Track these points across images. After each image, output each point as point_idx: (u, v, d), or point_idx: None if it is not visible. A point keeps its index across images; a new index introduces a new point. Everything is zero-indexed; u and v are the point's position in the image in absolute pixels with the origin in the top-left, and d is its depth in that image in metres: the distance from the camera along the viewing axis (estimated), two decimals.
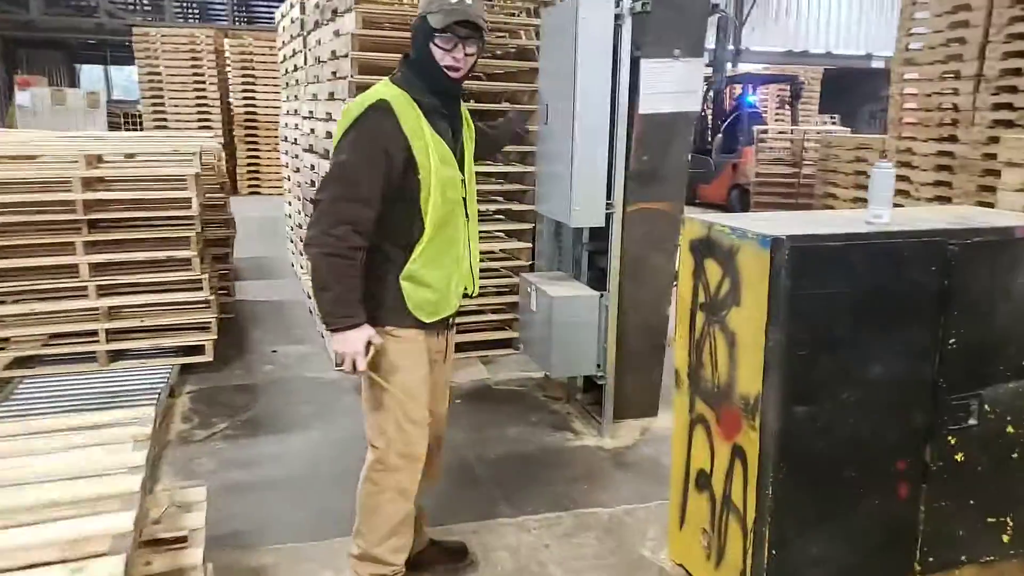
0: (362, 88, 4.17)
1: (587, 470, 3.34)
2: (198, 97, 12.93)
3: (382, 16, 4.52)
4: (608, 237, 3.44)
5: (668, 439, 3.63)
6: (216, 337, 4.41)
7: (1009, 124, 5.51)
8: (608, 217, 3.36)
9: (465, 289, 2.34)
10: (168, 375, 4.15)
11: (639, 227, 3.45)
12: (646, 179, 3.40)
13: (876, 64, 19.95)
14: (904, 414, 2.10)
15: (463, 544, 2.70)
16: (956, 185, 6.11)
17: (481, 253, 4.55)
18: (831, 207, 8.40)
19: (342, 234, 2.02)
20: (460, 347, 4.68)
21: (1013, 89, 5.48)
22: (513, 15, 4.91)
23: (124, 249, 4.18)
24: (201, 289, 4.30)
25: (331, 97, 4.71)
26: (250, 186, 13.17)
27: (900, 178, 6.90)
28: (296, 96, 6.38)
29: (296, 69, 6.31)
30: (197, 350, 4.38)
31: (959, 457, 2.17)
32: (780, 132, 11.20)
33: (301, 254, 6.49)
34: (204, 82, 12.91)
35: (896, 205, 6.76)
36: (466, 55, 2.11)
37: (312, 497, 3.09)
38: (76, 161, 4.02)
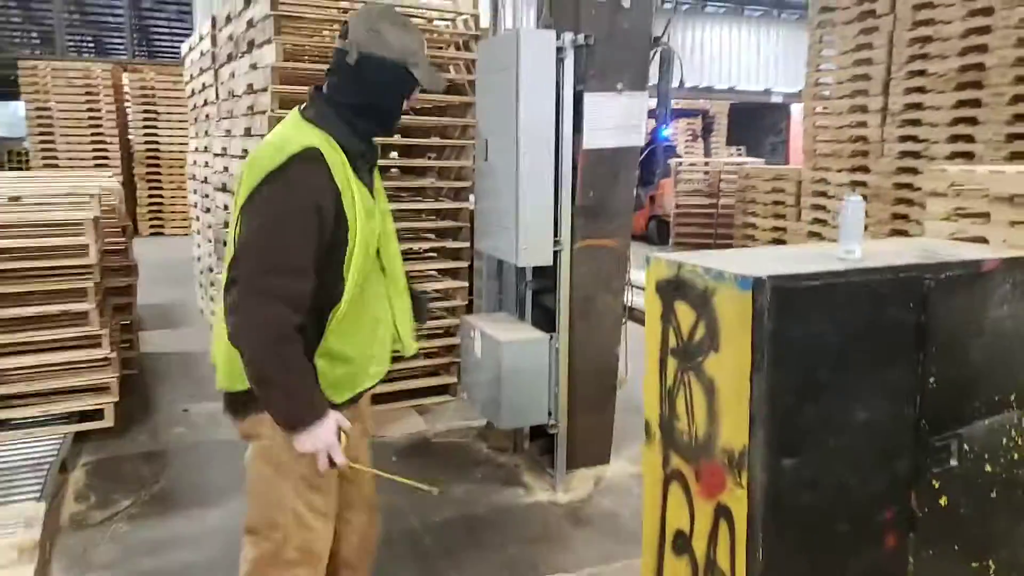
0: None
1: (543, 530, 3.13)
2: (93, 134, 12.22)
3: (302, 49, 4.30)
4: (555, 275, 3.28)
5: (625, 489, 3.49)
6: (118, 399, 3.98)
7: (915, 155, 5.72)
8: (556, 255, 3.21)
9: (395, 350, 2.06)
10: (59, 447, 3.66)
11: (587, 264, 3.32)
12: (593, 215, 3.27)
13: (775, 99, 20.94)
14: (889, 459, 2.00)
15: None
16: (871, 214, 6.28)
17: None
18: (751, 237, 8.57)
19: (281, 314, 1.69)
20: (392, 396, 4.42)
21: (916, 122, 5.70)
22: (441, 48, 4.76)
23: (10, 303, 3.72)
24: (100, 346, 3.88)
25: (247, 133, 4.42)
26: (152, 226, 12.52)
27: (817, 207, 7.10)
28: (207, 132, 6.03)
29: (206, 104, 5.97)
30: (95, 415, 3.93)
31: (943, 501, 2.07)
32: (694, 164, 11.45)
33: (211, 299, 6.08)
34: (100, 118, 12.23)
35: (815, 234, 6.94)
36: None
37: None
38: None
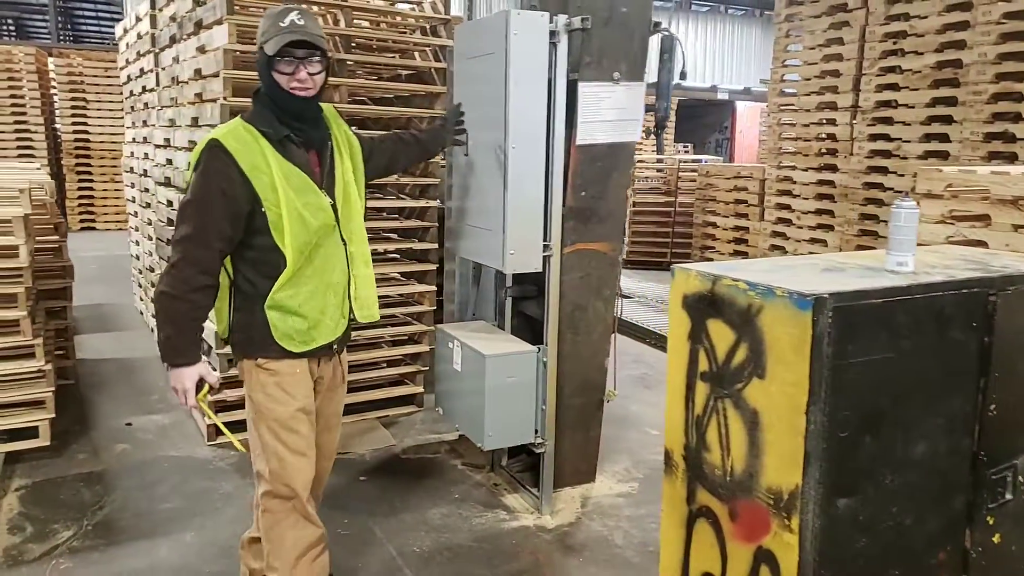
0: (235, 112, 3.58)
1: (532, 560, 2.88)
2: (17, 122, 11.41)
3: (255, 31, 3.92)
4: (543, 282, 3.02)
5: (614, 511, 3.26)
6: (54, 415, 3.58)
7: (887, 154, 5.64)
8: (545, 260, 2.95)
9: (352, 316, 2.32)
10: None
11: (576, 271, 3.07)
12: (584, 217, 3.02)
13: (721, 96, 21.08)
14: (945, 496, 1.81)
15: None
16: (838, 214, 6.22)
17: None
18: (712, 236, 8.47)
19: (185, 276, 2.07)
20: (354, 408, 4.10)
21: (889, 120, 5.62)
22: (404, 33, 4.44)
23: None
24: (33, 356, 3.47)
25: (195, 123, 4.03)
26: (82, 221, 11.80)
27: (782, 207, 7.01)
28: (145, 122, 5.56)
29: (144, 91, 5.50)
30: (28, 433, 3.54)
31: (996, 539, 1.90)
32: (643, 161, 11.29)
33: (153, 300, 5.62)
34: (24, 105, 11.43)
35: (779, 234, 6.84)
36: (310, 75, 2.13)
37: None
38: None
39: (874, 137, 5.75)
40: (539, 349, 3.03)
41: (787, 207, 6.93)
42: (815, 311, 1.56)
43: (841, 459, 1.63)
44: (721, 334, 1.81)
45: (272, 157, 2.10)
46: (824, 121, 6.33)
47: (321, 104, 2.28)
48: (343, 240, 2.26)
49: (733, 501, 1.82)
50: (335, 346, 2.32)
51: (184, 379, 2.14)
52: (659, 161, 10.69)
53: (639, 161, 10.80)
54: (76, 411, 4.20)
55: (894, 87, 5.53)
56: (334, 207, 2.22)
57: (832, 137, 6.25)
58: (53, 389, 3.57)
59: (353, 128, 2.47)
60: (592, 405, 3.32)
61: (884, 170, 5.63)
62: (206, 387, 2.20)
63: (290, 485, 2.24)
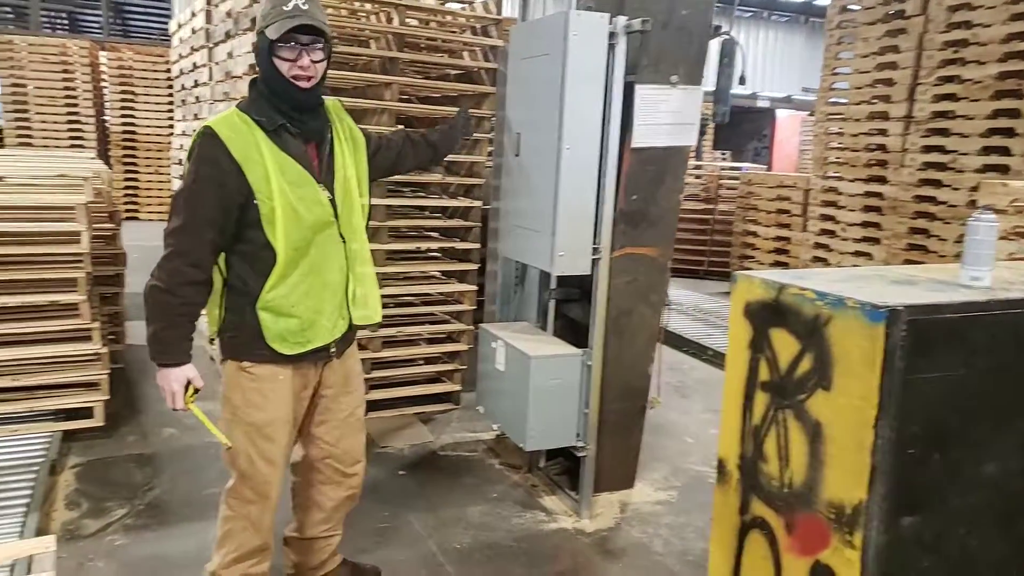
0: None
1: (572, 563, 2.87)
2: (70, 113, 11.69)
3: None
4: (591, 285, 3.01)
5: (653, 518, 3.23)
6: (108, 397, 3.66)
7: (941, 167, 5.52)
8: (593, 263, 2.93)
9: (350, 318, 2.22)
10: (47, 447, 3.38)
11: (624, 275, 3.05)
12: (634, 220, 3.00)
13: (761, 103, 20.84)
14: (1013, 519, 1.76)
15: (378, 570, 2.64)
16: (885, 227, 6.10)
17: (416, 296, 4.06)
18: (752, 245, 8.37)
19: (175, 268, 1.99)
20: (392, 403, 4.12)
21: (945, 132, 5.50)
22: (455, 33, 4.46)
23: None
24: (91, 339, 3.55)
25: None
26: (128, 211, 12.03)
27: (826, 218, 6.90)
28: (196, 115, 5.65)
29: (197, 85, 5.59)
30: (83, 413, 3.62)
31: None
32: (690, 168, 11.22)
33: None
34: (77, 97, 11.71)
35: (821, 246, 6.74)
36: (313, 62, 2.04)
37: None
38: None
39: (928, 149, 5.63)
40: (584, 352, 3.02)
41: (831, 218, 6.81)
42: (888, 324, 1.53)
43: (908, 476, 1.60)
44: (785, 343, 1.78)
45: (266, 147, 2.01)
46: (874, 131, 6.21)
47: (324, 97, 2.20)
48: (342, 237, 2.16)
49: (791, 514, 1.79)
50: (333, 349, 2.21)
51: (172, 380, 2.04)
52: (698, 168, 10.61)
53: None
54: (126, 394, 4.29)
55: (952, 97, 5.40)
56: (332, 202, 2.12)
57: (882, 148, 6.13)
58: (107, 372, 3.64)
59: (360, 125, 2.37)
60: (634, 411, 3.29)
61: (937, 183, 5.50)
62: (191, 389, 2.09)
63: (256, 490, 2.19)
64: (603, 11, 2.80)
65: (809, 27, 20.73)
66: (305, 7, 1.99)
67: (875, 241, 6.22)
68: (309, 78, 2.04)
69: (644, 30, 2.71)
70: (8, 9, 19.29)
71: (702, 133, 12.86)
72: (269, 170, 2.00)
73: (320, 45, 2.04)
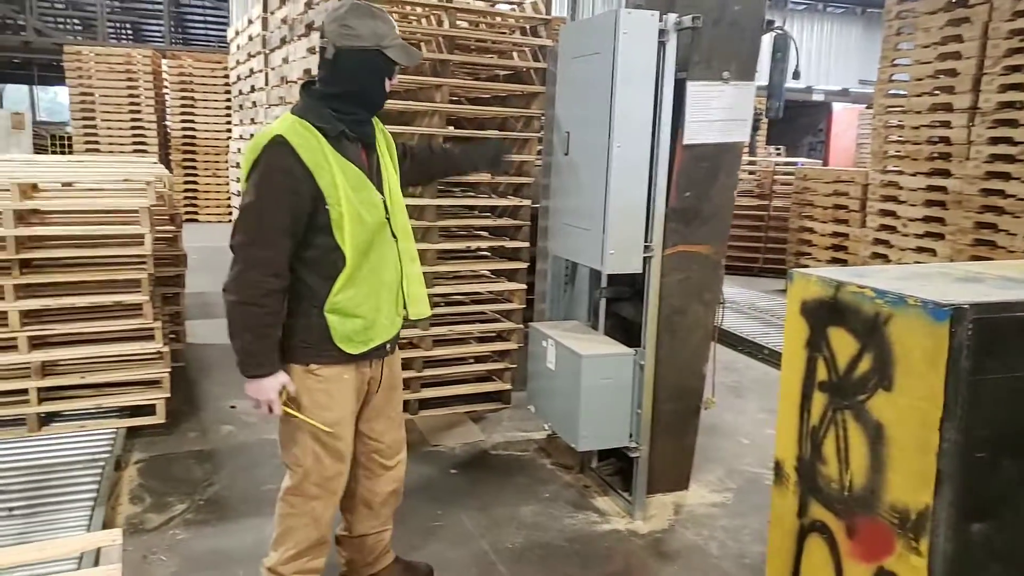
0: None
1: (626, 564, 2.84)
2: (133, 119, 12.11)
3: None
4: (639, 283, 2.98)
5: (708, 520, 3.19)
6: (169, 394, 3.77)
7: (1009, 159, 5.31)
8: (645, 262, 2.91)
9: (405, 314, 2.32)
10: (112, 442, 3.51)
11: (677, 272, 3.01)
12: (686, 218, 2.96)
13: (816, 97, 20.35)
14: None
15: (430, 567, 2.67)
16: (950, 221, 5.90)
17: (465, 295, 4.08)
18: (808, 242, 8.19)
19: (254, 280, 2.02)
20: (443, 402, 4.15)
21: (1013, 123, 5.29)
22: (504, 34, 4.46)
23: (62, 293, 3.53)
24: (153, 338, 3.66)
25: None
26: (187, 213, 12.37)
27: (886, 213, 6.70)
28: (253, 119, 5.79)
29: (254, 90, 5.73)
30: (146, 410, 3.73)
31: None
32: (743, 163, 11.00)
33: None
34: (140, 104, 12.12)
35: (881, 242, 6.54)
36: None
37: None
38: (6, 190, 3.37)
39: (995, 140, 5.42)
40: (636, 352, 2.99)
41: (892, 213, 6.62)
42: (953, 322, 1.48)
43: (977, 481, 1.55)
44: (843, 343, 1.74)
45: (331, 154, 2.07)
46: (937, 123, 6.01)
47: None
48: (394, 236, 2.24)
49: (852, 517, 1.75)
50: (388, 346, 2.30)
51: (268, 390, 2.07)
52: (751, 163, 10.41)
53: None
54: (186, 392, 4.41)
55: (1020, 87, 5.20)
56: (384, 203, 2.20)
57: (945, 140, 5.93)
58: (169, 370, 3.76)
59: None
60: (688, 411, 3.25)
61: (1006, 176, 5.30)
62: (285, 394, 2.12)
63: (321, 485, 2.24)
64: (654, 8, 2.77)
65: (866, 18, 20.16)
66: (399, 36, 2.16)
67: (939, 237, 6.03)
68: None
69: (695, 27, 2.67)
70: (77, 21, 20.05)
71: (756, 128, 12.61)
72: (336, 176, 2.06)
73: None
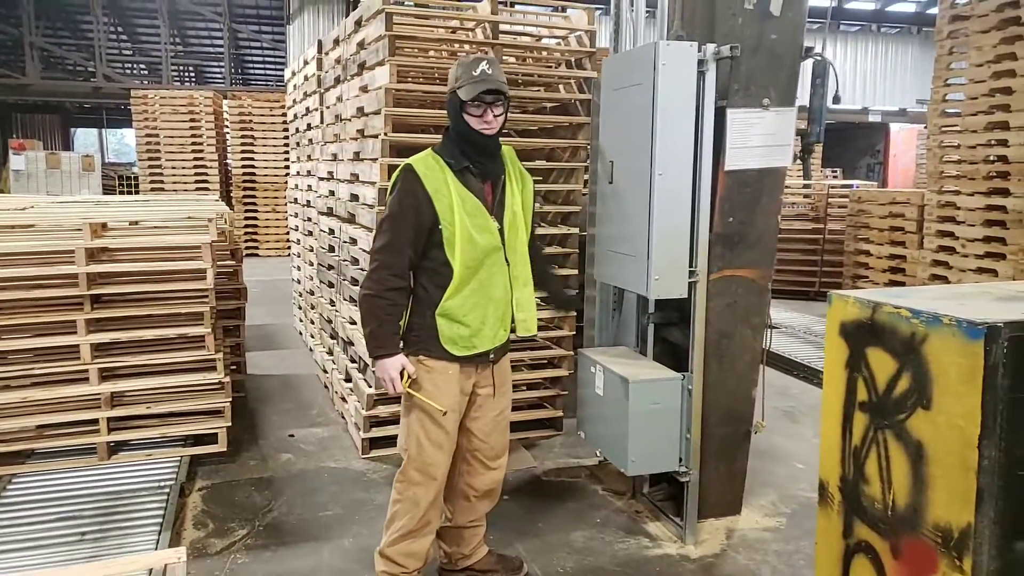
0: (394, 147, 3.82)
1: None
2: (196, 158, 12.66)
3: (411, 68, 4.19)
4: (689, 309, 3.02)
5: (761, 545, 3.17)
6: (230, 423, 3.93)
7: None
8: (690, 287, 2.95)
9: (514, 328, 2.62)
10: (176, 469, 3.67)
11: (723, 297, 3.04)
12: (731, 243, 3.00)
13: (873, 118, 19.99)
14: None
15: (521, 560, 2.92)
16: (1011, 241, 5.76)
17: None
18: (864, 265, 8.06)
19: (381, 277, 2.43)
20: None
21: None
22: (550, 67, 4.59)
23: (130, 327, 3.73)
24: (215, 369, 3.83)
25: (356, 157, 4.33)
26: (248, 247, 12.80)
27: (944, 234, 6.57)
28: (309, 156, 6.03)
29: (309, 128, 5.97)
30: (208, 439, 3.90)
31: None
32: (789, 186, 10.87)
33: (312, 322, 6.05)
34: (202, 143, 12.66)
35: (941, 263, 6.40)
36: (495, 116, 2.44)
37: None
38: (79, 229, 3.60)
39: None
40: (684, 376, 3.02)
41: (950, 234, 6.49)
42: (988, 340, 1.49)
43: (1019, 499, 1.54)
44: (882, 363, 1.76)
45: (452, 184, 2.43)
46: (994, 142, 5.90)
47: (502, 144, 2.59)
48: (507, 261, 2.54)
49: (896, 537, 1.75)
50: (492, 355, 2.59)
51: (389, 368, 2.44)
52: (806, 186, 10.30)
53: (785, 187, 10.45)
54: (247, 421, 4.58)
55: None
56: (501, 231, 2.51)
57: (1003, 159, 5.81)
58: (230, 400, 3.92)
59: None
60: (738, 436, 3.25)
61: None
62: (405, 375, 2.47)
63: (422, 471, 2.53)
64: (694, 39, 2.85)
65: (922, 37, 19.79)
66: (490, 72, 2.40)
67: (1000, 256, 5.88)
68: (491, 128, 2.45)
69: (733, 56, 2.73)
70: (143, 66, 21.07)
71: (809, 152, 12.39)
72: (453, 202, 2.42)
73: (501, 102, 2.43)
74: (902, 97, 19.37)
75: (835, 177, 15.98)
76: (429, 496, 2.56)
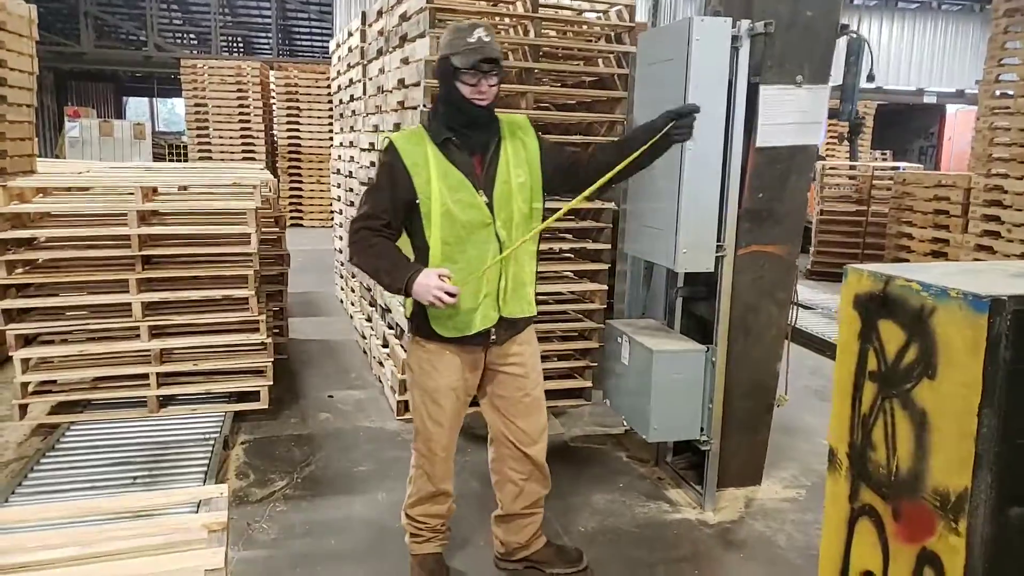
0: None
1: (692, 550, 2.95)
2: (243, 128, 12.91)
3: None
4: (715, 283, 3.08)
5: (779, 514, 3.25)
6: (272, 382, 4.11)
7: None
8: (718, 261, 3.01)
9: (501, 311, 2.43)
10: (221, 423, 3.86)
11: (749, 272, 3.09)
12: (759, 219, 3.04)
13: (928, 99, 19.43)
14: None
15: (580, 552, 2.85)
16: None
17: (548, 295, 4.23)
18: (907, 248, 7.95)
19: (362, 236, 2.34)
20: None
21: None
22: (590, 41, 4.63)
23: (178, 287, 3.93)
24: (258, 331, 4.01)
25: (396, 128, 4.44)
26: (292, 218, 13.06)
27: (990, 218, 6.47)
28: (352, 127, 6.16)
29: (353, 100, 6.10)
30: (251, 396, 4.10)
31: None
32: (835, 168, 10.72)
33: (352, 290, 6.24)
34: (249, 113, 12.91)
35: (984, 248, 6.30)
36: (489, 86, 2.32)
37: None
38: (131, 193, 3.79)
39: None
40: (708, 349, 3.09)
41: (996, 218, 6.39)
42: (992, 313, 1.54)
43: (1015, 466, 1.60)
44: (892, 334, 1.81)
45: (433, 157, 2.32)
46: None
47: (506, 114, 2.49)
48: (498, 237, 2.35)
49: (897, 500, 1.82)
50: (493, 336, 2.44)
51: (427, 286, 2.19)
52: (852, 168, 10.15)
53: (830, 168, 10.30)
54: (288, 382, 4.78)
55: None
56: (489, 206, 2.33)
57: None
58: (272, 360, 4.10)
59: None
60: (761, 408, 3.31)
61: None
62: (447, 280, 2.22)
63: (426, 445, 2.56)
64: (730, 14, 2.88)
65: (984, 15, 19.02)
66: (487, 39, 2.28)
67: None
68: (485, 99, 2.33)
69: (767, 32, 2.76)
70: (193, 36, 21.44)
71: (857, 134, 12.15)
72: (432, 176, 2.31)
73: (496, 71, 2.31)
74: (961, 78, 18.78)
75: (884, 159, 15.65)
76: (434, 469, 2.58)
